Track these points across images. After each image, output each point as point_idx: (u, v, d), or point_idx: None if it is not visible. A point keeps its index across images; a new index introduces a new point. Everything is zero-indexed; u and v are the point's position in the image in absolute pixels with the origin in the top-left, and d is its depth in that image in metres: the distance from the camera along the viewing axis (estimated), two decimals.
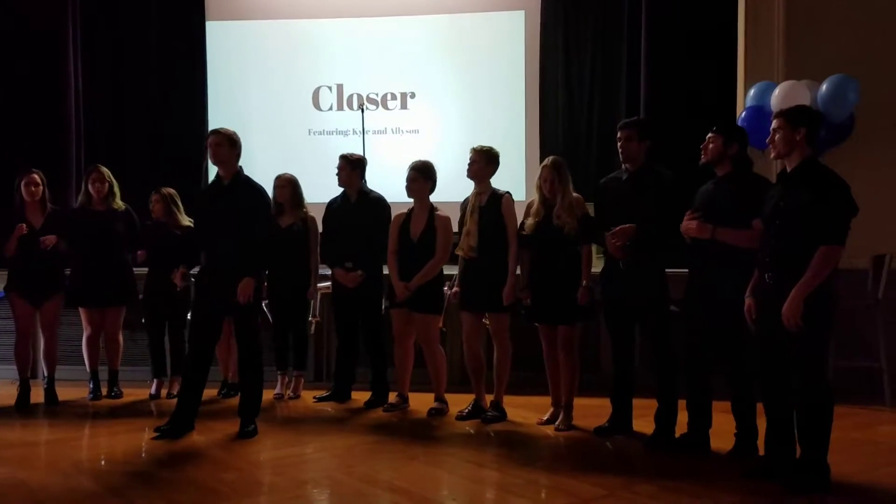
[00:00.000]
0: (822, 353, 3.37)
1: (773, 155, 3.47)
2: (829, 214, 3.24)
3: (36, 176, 5.04)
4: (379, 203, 5.02)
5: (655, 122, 5.72)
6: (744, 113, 5.50)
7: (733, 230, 3.65)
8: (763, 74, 5.57)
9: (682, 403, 3.98)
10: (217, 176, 4.37)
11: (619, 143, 4.13)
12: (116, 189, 5.25)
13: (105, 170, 5.23)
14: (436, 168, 4.70)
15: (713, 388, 3.89)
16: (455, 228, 4.68)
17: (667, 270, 4.13)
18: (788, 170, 3.41)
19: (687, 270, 3.98)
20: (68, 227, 5.10)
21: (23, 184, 4.99)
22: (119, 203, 5.25)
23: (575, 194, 4.32)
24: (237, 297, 4.13)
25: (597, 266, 4.50)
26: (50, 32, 6.87)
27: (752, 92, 5.52)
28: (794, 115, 3.40)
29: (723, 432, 3.89)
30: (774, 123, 3.42)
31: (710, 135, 3.83)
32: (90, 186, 5.17)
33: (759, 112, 5.29)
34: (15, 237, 4.92)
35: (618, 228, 4.01)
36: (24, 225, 4.94)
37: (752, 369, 3.66)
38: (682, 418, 3.99)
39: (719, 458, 3.80)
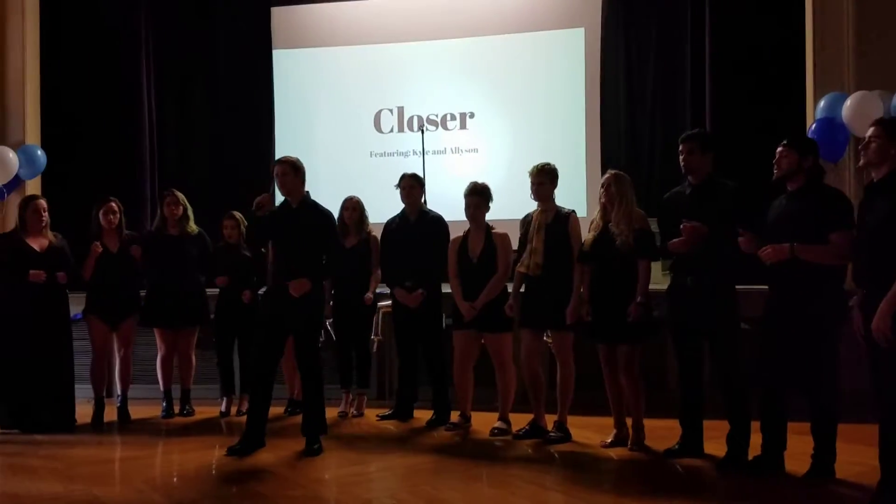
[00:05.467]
0: None
1: (861, 162, 3.37)
2: None
3: (114, 204, 5.24)
4: (438, 222, 5.06)
5: (718, 135, 5.60)
6: (814, 125, 5.34)
7: (813, 246, 3.52)
8: (833, 85, 5.40)
9: (755, 425, 3.85)
10: (285, 200, 4.48)
11: (681, 157, 4.07)
12: (190, 213, 5.43)
13: (180, 194, 5.42)
14: (491, 189, 4.73)
15: (787, 409, 3.75)
16: (514, 245, 4.67)
17: (737, 287, 4.02)
18: (875, 180, 3.30)
19: (757, 286, 3.86)
20: (144, 251, 5.29)
21: (101, 212, 5.20)
22: (193, 227, 5.42)
23: (637, 210, 4.27)
24: (291, 290, 4.23)
25: (662, 283, 4.40)
26: (124, 67, 7.21)
27: (822, 103, 5.36)
28: (893, 127, 3.29)
29: (798, 454, 3.74)
30: (871, 132, 3.32)
31: (780, 149, 3.73)
32: (165, 210, 5.36)
33: (830, 124, 5.13)
34: (92, 257, 5.11)
35: (688, 226, 3.88)
36: (99, 243, 5.13)
37: (836, 388, 3.51)
38: (756, 440, 3.85)
39: (794, 481, 3.65)
